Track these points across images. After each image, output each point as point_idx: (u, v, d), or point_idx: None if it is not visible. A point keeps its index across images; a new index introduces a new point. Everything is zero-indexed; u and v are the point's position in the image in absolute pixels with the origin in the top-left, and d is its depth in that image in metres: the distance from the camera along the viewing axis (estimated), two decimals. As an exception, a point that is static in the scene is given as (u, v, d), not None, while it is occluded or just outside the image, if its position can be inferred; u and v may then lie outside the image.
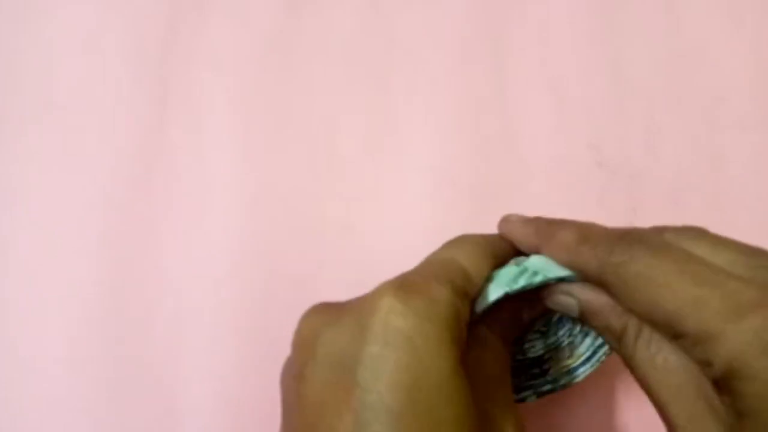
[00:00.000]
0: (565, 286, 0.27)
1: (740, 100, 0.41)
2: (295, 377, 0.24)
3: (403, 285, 0.23)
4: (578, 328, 0.30)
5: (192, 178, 0.40)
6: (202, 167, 0.40)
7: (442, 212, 0.39)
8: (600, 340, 0.29)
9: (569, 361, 0.30)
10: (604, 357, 0.29)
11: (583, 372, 0.29)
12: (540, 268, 0.27)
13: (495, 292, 0.26)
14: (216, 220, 0.39)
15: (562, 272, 0.26)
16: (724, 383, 0.21)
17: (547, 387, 0.30)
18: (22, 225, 0.39)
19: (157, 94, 0.41)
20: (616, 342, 0.25)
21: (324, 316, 0.25)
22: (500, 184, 0.40)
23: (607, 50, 0.42)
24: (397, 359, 0.22)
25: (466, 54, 0.42)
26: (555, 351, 0.30)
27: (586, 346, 0.30)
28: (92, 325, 0.38)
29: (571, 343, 0.30)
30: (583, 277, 0.26)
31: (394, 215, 0.39)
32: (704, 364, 0.21)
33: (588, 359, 0.30)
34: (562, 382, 0.29)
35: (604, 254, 0.24)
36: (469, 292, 0.25)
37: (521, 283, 0.26)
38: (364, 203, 0.40)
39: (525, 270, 0.27)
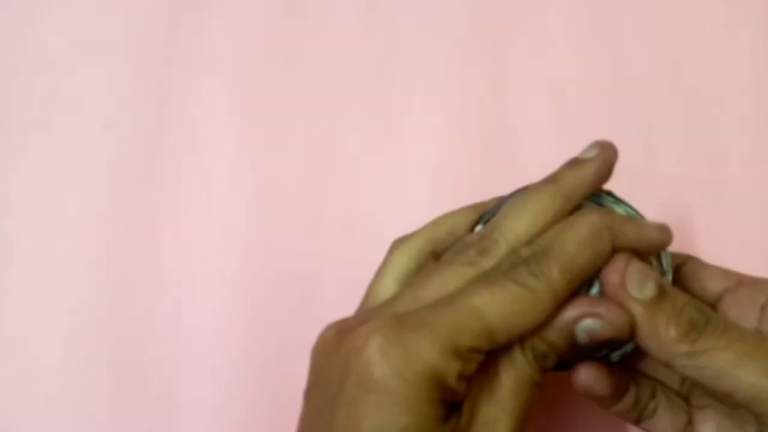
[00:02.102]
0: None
1: (740, 100, 0.41)
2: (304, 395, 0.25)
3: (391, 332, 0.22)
4: None
5: (192, 180, 0.40)
6: (202, 168, 0.40)
7: (442, 212, 0.39)
8: None
9: None
10: None
11: None
12: None
13: None
14: (216, 221, 0.39)
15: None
16: None
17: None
18: (23, 226, 0.39)
19: (158, 95, 0.41)
20: None
21: (327, 345, 0.25)
22: (500, 185, 0.39)
23: (607, 51, 0.42)
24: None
25: (466, 55, 0.42)
26: None
27: None
28: (93, 325, 0.37)
29: None
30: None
31: (394, 215, 0.39)
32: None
33: None
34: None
35: (674, 346, 0.25)
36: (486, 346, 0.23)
37: None
38: (364, 203, 0.40)
39: None
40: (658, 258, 0.28)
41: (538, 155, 0.39)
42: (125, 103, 0.41)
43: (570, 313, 0.25)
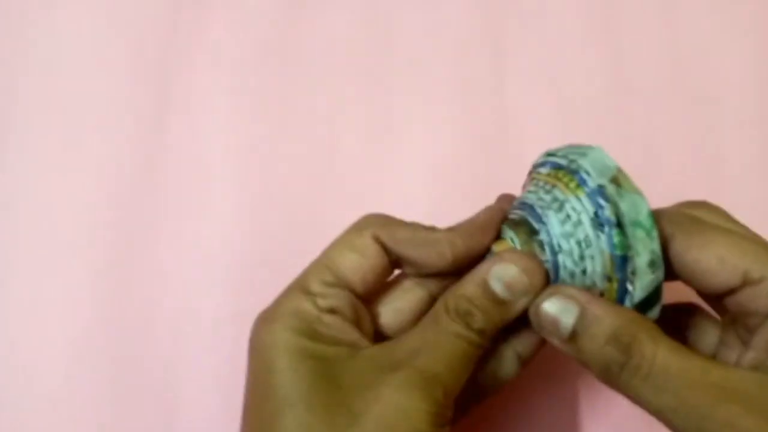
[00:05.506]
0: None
1: (740, 100, 0.41)
2: None
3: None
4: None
5: (192, 179, 0.40)
6: (202, 168, 0.40)
7: (442, 212, 0.39)
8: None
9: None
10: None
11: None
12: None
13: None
14: (216, 220, 0.39)
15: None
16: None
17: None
18: (22, 225, 0.39)
19: (158, 93, 0.41)
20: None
21: None
22: (500, 184, 0.40)
23: (607, 51, 0.42)
24: None
25: (466, 54, 0.42)
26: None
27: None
28: (92, 325, 0.37)
29: None
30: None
31: (394, 214, 0.39)
32: (749, 313, 0.24)
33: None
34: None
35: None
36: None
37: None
38: (364, 203, 0.40)
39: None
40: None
41: (538, 155, 0.39)
42: (125, 102, 0.41)
43: (482, 265, 0.25)
